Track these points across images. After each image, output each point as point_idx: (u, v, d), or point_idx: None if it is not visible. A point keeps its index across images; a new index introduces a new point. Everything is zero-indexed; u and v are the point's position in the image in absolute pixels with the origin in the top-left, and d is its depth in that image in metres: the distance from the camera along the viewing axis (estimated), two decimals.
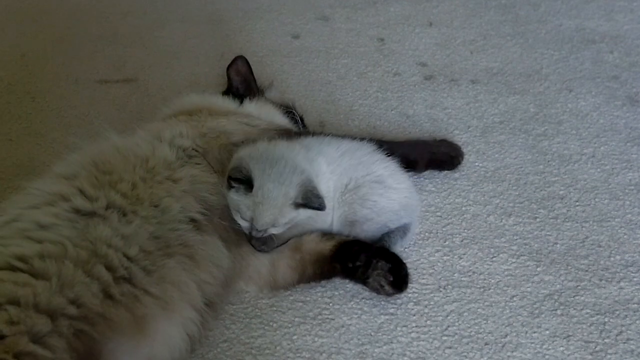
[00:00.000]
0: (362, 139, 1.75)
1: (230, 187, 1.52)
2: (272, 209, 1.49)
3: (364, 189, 1.64)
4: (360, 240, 1.64)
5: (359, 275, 1.60)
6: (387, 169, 1.69)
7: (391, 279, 1.57)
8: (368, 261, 1.58)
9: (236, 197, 1.51)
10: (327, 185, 1.62)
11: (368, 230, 1.65)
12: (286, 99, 2.08)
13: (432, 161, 1.95)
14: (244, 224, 1.54)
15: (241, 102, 1.92)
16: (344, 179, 1.64)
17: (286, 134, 1.76)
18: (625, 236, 1.77)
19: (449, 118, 2.23)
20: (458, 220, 1.83)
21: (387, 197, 1.65)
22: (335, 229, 1.67)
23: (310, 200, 1.51)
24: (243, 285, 1.63)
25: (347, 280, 1.64)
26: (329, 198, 1.60)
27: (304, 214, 1.55)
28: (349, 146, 1.70)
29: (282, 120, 1.95)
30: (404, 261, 1.60)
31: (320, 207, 1.52)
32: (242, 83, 1.96)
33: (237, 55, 1.99)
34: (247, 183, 1.49)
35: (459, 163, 1.98)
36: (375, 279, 1.57)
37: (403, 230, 1.68)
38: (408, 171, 1.80)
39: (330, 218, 1.65)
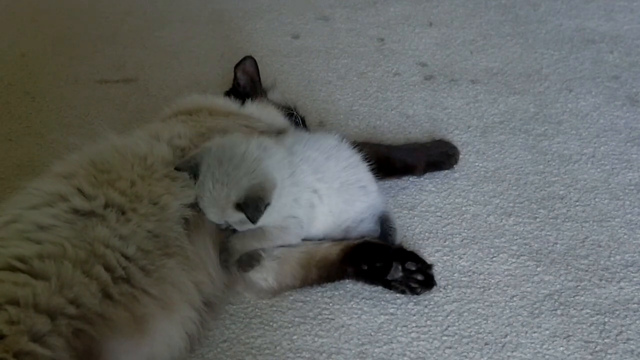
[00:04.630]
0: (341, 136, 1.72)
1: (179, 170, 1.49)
2: (214, 207, 1.46)
3: (352, 195, 1.64)
4: (372, 242, 1.64)
5: (377, 277, 1.60)
6: (366, 172, 1.69)
7: (422, 278, 1.58)
8: (388, 263, 1.57)
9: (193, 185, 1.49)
10: (313, 194, 1.58)
11: (364, 229, 1.67)
12: (288, 100, 2.08)
13: (430, 164, 1.95)
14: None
15: (243, 103, 1.92)
16: (334, 185, 1.61)
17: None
18: (625, 236, 1.77)
19: (449, 118, 2.23)
20: (458, 220, 1.83)
21: (365, 200, 1.67)
22: (329, 235, 1.67)
23: (248, 207, 1.42)
24: (242, 290, 1.63)
25: (347, 281, 1.64)
26: (316, 206, 1.59)
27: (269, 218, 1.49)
28: (332, 146, 1.66)
29: (283, 122, 1.94)
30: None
31: (252, 218, 1.42)
32: (247, 83, 1.97)
33: (246, 55, 2.00)
34: (194, 175, 1.47)
35: (457, 161, 1.98)
36: (403, 281, 1.58)
37: (390, 220, 1.71)
38: (407, 176, 1.93)
39: (304, 231, 1.60)
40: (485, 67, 2.50)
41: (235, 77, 1.98)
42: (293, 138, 1.66)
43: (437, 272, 1.66)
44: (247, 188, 1.44)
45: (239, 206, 1.44)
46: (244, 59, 1.98)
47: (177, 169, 1.50)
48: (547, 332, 1.53)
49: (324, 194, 1.60)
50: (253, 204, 1.43)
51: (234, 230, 1.54)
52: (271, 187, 1.47)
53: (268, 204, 1.46)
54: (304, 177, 1.57)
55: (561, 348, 1.49)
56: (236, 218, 1.48)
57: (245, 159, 1.47)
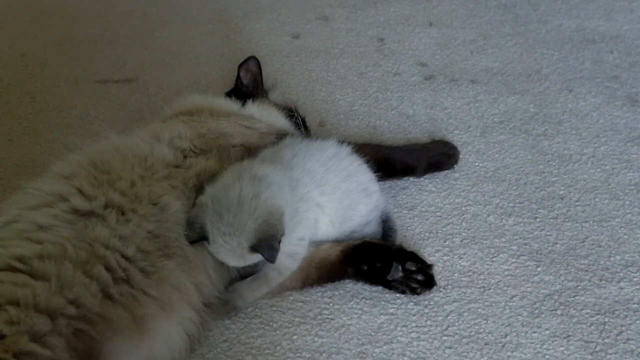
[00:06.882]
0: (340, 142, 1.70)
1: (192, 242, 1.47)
2: (232, 257, 1.45)
3: (353, 201, 1.63)
4: (372, 242, 1.63)
5: (377, 277, 1.60)
6: (367, 174, 1.68)
7: (422, 278, 1.58)
8: (388, 263, 1.57)
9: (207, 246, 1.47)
10: (317, 208, 1.57)
11: (369, 232, 1.67)
12: (288, 100, 2.08)
13: (431, 164, 1.95)
14: None
15: (243, 103, 1.92)
16: (335, 195, 1.60)
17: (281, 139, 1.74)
18: (625, 236, 1.77)
19: (449, 118, 2.23)
20: (458, 220, 1.83)
21: (368, 202, 1.66)
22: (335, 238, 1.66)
23: (263, 249, 1.41)
24: None
25: (347, 281, 1.64)
26: (319, 220, 1.58)
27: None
28: (331, 156, 1.63)
29: (284, 123, 1.94)
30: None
31: (270, 259, 1.41)
32: (250, 82, 1.97)
33: (250, 55, 2.00)
34: (204, 238, 1.45)
35: (457, 161, 1.98)
36: (403, 281, 1.58)
37: (390, 220, 1.71)
38: (408, 176, 1.93)
39: (306, 251, 1.59)
40: (485, 67, 2.50)
41: (239, 76, 1.98)
42: (292, 149, 1.62)
43: (437, 272, 1.66)
44: (255, 230, 1.41)
45: (254, 249, 1.42)
46: (248, 58, 1.98)
47: (190, 242, 1.46)
48: (547, 332, 1.53)
49: (325, 206, 1.59)
50: (267, 244, 1.41)
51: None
52: (279, 217, 1.44)
53: (282, 235, 1.44)
54: (309, 192, 1.55)
55: (561, 348, 1.49)
56: (257, 258, 1.46)
57: (242, 202, 1.42)
